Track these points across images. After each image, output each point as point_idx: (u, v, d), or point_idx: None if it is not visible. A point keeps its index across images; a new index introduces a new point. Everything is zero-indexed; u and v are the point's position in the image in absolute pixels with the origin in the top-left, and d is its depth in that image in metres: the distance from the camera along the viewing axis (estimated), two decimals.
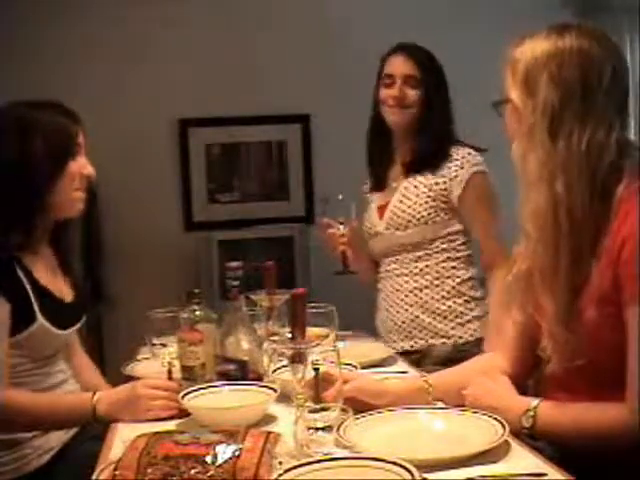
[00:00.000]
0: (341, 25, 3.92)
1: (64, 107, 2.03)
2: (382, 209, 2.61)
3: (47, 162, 1.94)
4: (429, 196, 2.50)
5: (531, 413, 1.52)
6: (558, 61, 1.50)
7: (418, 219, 2.50)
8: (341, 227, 2.50)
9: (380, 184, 2.67)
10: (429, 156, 2.52)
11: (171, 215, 3.94)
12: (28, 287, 1.92)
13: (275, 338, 1.65)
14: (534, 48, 1.52)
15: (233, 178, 4.01)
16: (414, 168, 2.55)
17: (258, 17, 3.90)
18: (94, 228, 3.60)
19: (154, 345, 1.86)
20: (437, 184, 2.49)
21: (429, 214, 2.50)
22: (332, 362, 1.48)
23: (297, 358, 1.46)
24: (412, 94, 2.52)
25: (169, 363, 1.85)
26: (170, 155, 3.93)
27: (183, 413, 1.72)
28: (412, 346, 2.53)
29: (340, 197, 2.48)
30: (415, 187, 2.53)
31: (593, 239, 1.47)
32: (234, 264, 1.84)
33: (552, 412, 1.53)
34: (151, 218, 3.88)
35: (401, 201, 2.54)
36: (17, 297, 1.88)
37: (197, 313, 1.84)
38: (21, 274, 1.92)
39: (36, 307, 1.91)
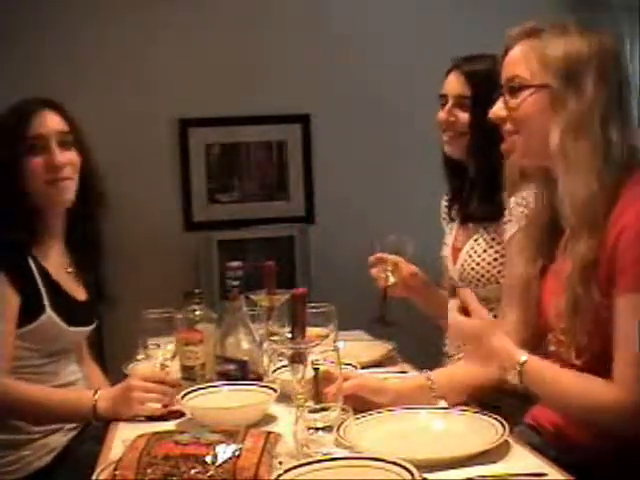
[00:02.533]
0: (341, 25, 3.91)
1: (34, 100, 2.05)
2: (456, 252, 2.30)
3: (4, 162, 1.97)
4: (497, 251, 2.17)
5: (517, 369, 1.51)
6: (601, 61, 1.51)
7: (487, 278, 2.18)
8: (390, 277, 2.22)
9: (458, 218, 2.33)
10: (486, 203, 2.16)
11: (171, 215, 3.93)
12: (39, 280, 1.96)
13: (275, 338, 1.65)
14: (568, 42, 1.52)
15: (233, 178, 4.00)
16: (480, 215, 2.21)
17: (258, 17, 3.89)
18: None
19: (148, 346, 1.85)
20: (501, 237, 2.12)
21: (499, 272, 2.15)
22: (332, 362, 1.48)
23: (297, 358, 1.46)
24: (464, 117, 2.18)
25: (162, 364, 1.83)
26: (170, 155, 3.91)
27: (181, 413, 1.72)
28: None
29: (392, 237, 2.19)
30: (484, 239, 2.21)
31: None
32: (234, 264, 1.84)
33: (537, 366, 1.52)
34: (151, 218, 3.87)
35: (470, 255, 2.23)
36: (28, 290, 1.93)
37: (197, 313, 1.84)
38: (33, 268, 1.96)
39: (46, 299, 1.96)
